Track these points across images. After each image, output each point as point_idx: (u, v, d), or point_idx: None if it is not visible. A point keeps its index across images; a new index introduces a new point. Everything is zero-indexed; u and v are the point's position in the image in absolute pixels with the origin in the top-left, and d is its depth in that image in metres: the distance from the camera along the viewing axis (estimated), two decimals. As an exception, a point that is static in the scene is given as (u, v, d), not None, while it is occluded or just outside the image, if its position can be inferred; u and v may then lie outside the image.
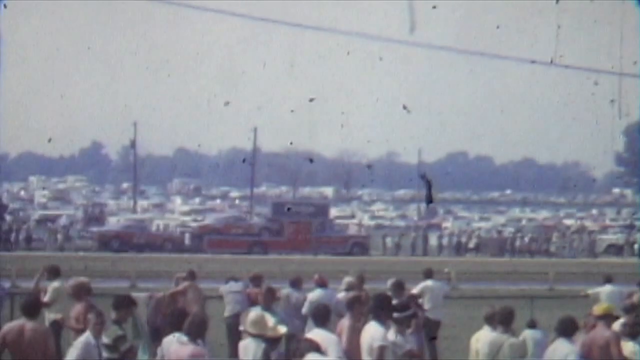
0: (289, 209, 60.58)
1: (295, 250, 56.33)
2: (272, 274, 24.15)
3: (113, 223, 64.09)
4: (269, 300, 14.95)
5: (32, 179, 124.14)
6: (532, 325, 14.97)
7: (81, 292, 15.31)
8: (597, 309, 13.78)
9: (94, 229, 61.48)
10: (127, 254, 52.92)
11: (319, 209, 62.52)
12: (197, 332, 11.65)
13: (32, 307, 12.62)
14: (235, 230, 59.49)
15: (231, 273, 21.24)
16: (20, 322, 12.31)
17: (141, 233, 59.49)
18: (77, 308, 15.08)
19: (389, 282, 20.18)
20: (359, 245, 60.15)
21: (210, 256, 52.12)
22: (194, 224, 64.13)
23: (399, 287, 17.55)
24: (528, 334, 14.52)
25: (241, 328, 12.36)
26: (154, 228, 64.80)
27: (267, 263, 43.61)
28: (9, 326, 12.37)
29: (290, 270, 23.00)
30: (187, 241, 60.27)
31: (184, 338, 11.56)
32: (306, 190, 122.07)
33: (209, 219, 64.46)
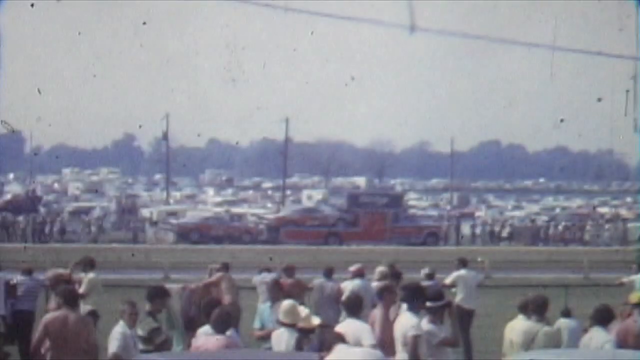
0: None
1: (370, 240, 56.63)
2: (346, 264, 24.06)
3: (192, 215, 64.67)
4: (278, 293, 14.82)
5: (66, 171, 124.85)
6: (566, 314, 14.90)
7: (59, 284, 15.26)
8: (633, 297, 13.68)
9: (173, 220, 62.05)
10: (206, 245, 53.40)
11: (393, 199, 62.97)
12: (223, 324, 11.63)
13: (73, 297, 12.79)
14: (311, 222, 60.08)
15: (307, 264, 21.21)
16: (62, 312, 12.40)
17: (219, 225, 60.07)
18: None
19: (422, 272, 20.23)
20: (433, 235, 60.60)
21: (288, 247, 52.46)
22: (270, 216, 64.69)
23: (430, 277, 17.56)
24: (562, 323, 14.45)
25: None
26: (186, 219, 65.09)
27: (342, 253, 43.74)
28: (52, 316, 12.48)
29: (364, 260, 22.92)
30: (264, 233, 60.75)
31: (210, 330, 11.58)
32: (338, 181, 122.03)
33: (285, 211, 65.76)
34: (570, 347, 13.82)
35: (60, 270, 17.67)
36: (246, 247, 53.29)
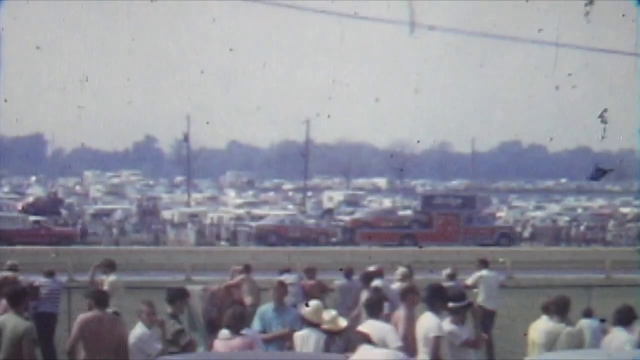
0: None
1: (444, 241, 57.06)
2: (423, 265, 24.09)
3: (270, 217, 65.13)
4: (282, 294, 14.57)
5: (87, 173, 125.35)
6: (588, 314, 14.86)
7: (4, 287, 15.17)
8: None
9: (252, 223, 62.61)
10: (284, 247, 53.79)
11: (466, 201, 63.40)
12: (237, 323, 11.67)
13: (104, 298, 13.02)
14: (386, 223, 60.83)
15: (381, 265, 21.16)
16: (95, 312, 12.64)
17: (296, 227, 60.52)
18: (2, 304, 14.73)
19: (444, 272, 20.22)
20: (506, 236, 60.98)
21: (364, 249, 52.85)
22: (346, 218, 65.32)
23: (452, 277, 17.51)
24: (584, 323, 14.41)
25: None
26: (208, 221, 65.29)
27: (417, 255, 43.81)
28: (86, 316, 12.67)
29: (438, 261, 22.98)
30: (340, 234, 61.28)
31: (227, 333, 11.60)
32: (359, 182, 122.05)
33: (360, 213, 66.48)
34: (592, 347, 13.79)
35: (5, 273, 17.81)
36: (323, 248, 53.72)
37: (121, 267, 19.39)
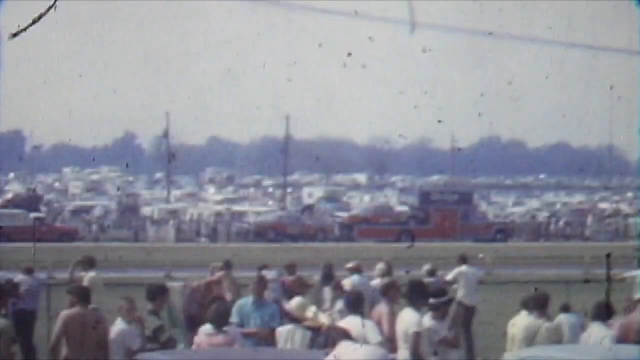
0: None
1: (442, 238, 57.14)
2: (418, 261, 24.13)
3: (268, 214, 65.28)
4: (261, 288, 14.56)
5: (66, 170, 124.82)
6: (566, 309, 14.94)
7: None
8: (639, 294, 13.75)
9: (250, 219, 62.78)
10: (282, 244, 53.92)
11: (463, 197, 63.59)
12: (221, 320, 11.69)
13: (87, 294, 13.01)
14: (384, 220, 61.04)
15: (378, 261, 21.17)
16: (78, 309, 12.66)
17: (295, 224, 60.57)
18: None
19: (424, 268, 20.27)
20: (502, 232, 61.28)
21: (361, 245, 53.40)
22: (343, 214, 65.65)
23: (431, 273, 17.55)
24: (562, 318, 14.49)
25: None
26: (188, 217, 65.23)
27: (413, 250, 43.89)
28: (69, 313, 12.68)
29: (435, 258, 23.05)
30: (337, 231, 61.64)
31: (210, 329, 11.60)
32: (339, 178, 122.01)
33: (358, 209, 67.24)
34: (570, 341, 13.86)
35: None
36: (322, 245, 53.89)
37: (101, 264, 19.32)
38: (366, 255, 33.50)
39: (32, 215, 56.64)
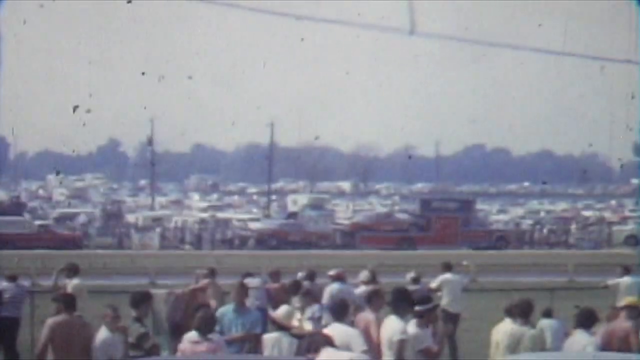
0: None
1: (443, 245, 57.53)
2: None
3: (269, 221, 65.49)
4: (242, 295, 14.50)
5: (51, 177, 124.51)
6: (547, 314, 15.00)
7: None
8: (624, 300, 13.81)
9: (253, 226, 62.96)
10: (284, 251, 54.17)
11: (464, 204, 64.12)
12: (207, 328, 11.70)
13: (72, 301, 13.00)
14: (385, 227, 61.30)
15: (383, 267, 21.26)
16: (65, 316, 12.66)
17: (296, 231, 61.01)
18: None
19: (408, 276, 20.28)
20: (503, 239, 61.82)
21: (364, 252, 53.44)
22: (345, 222, 65.78)
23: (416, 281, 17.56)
24: (545, 324, 14.55)
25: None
26: (172, 224, 65.14)
27: (415, 257, 44.04)
28: (55, 320, 12.68)
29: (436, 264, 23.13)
30: (339, 238, 61.98)
31: (195, 336, 11.60)
32: (324, 185, 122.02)
33: (359, 217, 67.26)
34: (553, 346, 13.92)
35: None
36: (323, 252, 54.08)
37: (85, 271, 19.28)
38: (355, 262, 33.64)
39: (37, 222, 57.00)
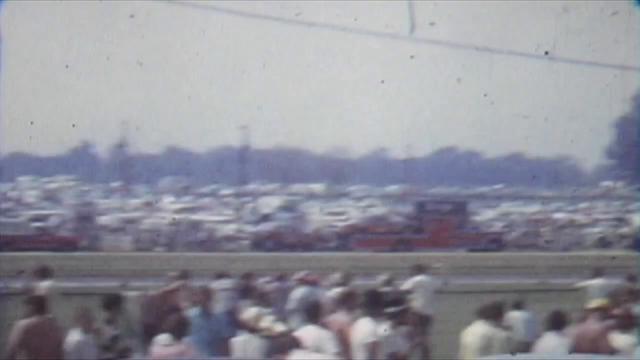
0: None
1: (437, 247, 57.75)
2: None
3: (266, 224, 65.54)
4: (206, 299, 14.41)
5: (21, 179, 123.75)
6: (518, 306, 15.05)
7: None
8: (593, 302, 13.88)
9: (250, 228, 63.11)
10: (280, 253, 54.28)
11: (457, 207, 64.43)
12: (179, 331, 11.68)
13: (44, 303, 12.92)
14: (380, 229, 61.89)
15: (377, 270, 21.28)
16: (36, 319, 12.59)
17: (292, 233, 61.58)
18: None
19: (380, 278, 20.32)
20: (496, 241, 62.26)
21: (359, 254, 54.39)
22: (340, 224, 65.84)
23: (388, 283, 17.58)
24: (515, 315, 14.62)
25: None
26: (145, 226, 64.99)
27: (411, 260, 44.14)
28: (27, 323, 12.61)
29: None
30: (334, 240, 62.29)
31: (167, 338, 11.59)
32: (296, 187, 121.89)
33: (355, 219, 68.73)
34: (524, 337, 14.00)
35: None
36: (320, 254, 54.25)
37: (56, 273, 19.21)
38: (332, 265, 33.60)
39: (35, 224, 57.07)
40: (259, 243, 59.93)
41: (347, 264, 29.33)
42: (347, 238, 61.36)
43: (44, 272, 18.06)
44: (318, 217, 77.27)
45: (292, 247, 58.57)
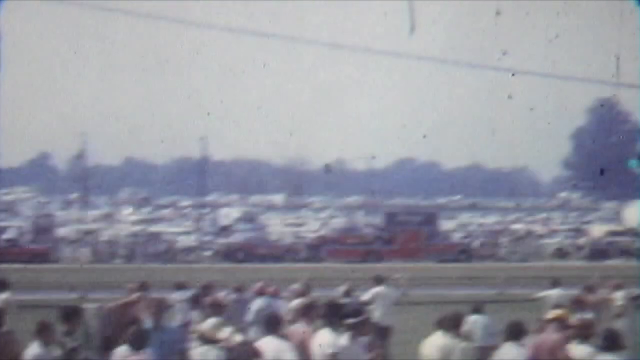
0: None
1: (407, 258, 58.01)
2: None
3: (237, 235, 65.43)
4: (159, 312, 14.34)
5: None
6: (477, 310, 15.11)
7: None
8: (551, 313, 13.97)
9: (220, 240, 63.06)
10: (250, 264, 54.24)
11: (427, 218, 64.57)
12: (139, 342, 11.63)
13: (0, 316, 12.85)
14: (351, 240, 62.12)
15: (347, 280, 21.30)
16: None
17: (263, 244, 61.83)
18: None
19: (340, 289, 20.36)
20: (465, 252, 62.84)
21: (330, 265, 54.82)
22: (311, 235, 66.02)
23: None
24: (473, 319, 14.68)
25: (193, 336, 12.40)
26: (104, 238, 64.75)
27: (382, 271, 44.14)
28: None
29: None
30: (305, 251, 62.44)
31: (126, 350, 11.55)
32: (256, 199, 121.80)
33: (325, 230, 69.00)
34: (483, 342, 14.05)
35: None
36: (289, 265, 54.29)
37: (14, 285, 19.07)
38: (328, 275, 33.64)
39: (4, 237, 56.88)
40: (229, 254, 60.00)
41: (314, 275, 29.27)
42: (318, 249, 61.43)
43: (1, 285, 17.91)
44: (278, 228, 77.28)
45: (262, 259, 58.69)
